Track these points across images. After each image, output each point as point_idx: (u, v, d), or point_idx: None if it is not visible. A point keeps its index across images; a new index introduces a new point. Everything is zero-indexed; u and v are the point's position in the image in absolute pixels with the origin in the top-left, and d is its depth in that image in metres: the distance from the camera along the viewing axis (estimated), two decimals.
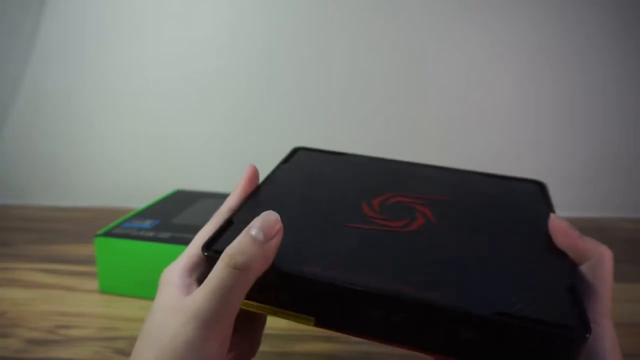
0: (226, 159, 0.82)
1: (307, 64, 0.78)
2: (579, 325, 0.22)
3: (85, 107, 0.80)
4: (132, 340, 0.46)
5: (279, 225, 0.26)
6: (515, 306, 0.22)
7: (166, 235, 0.53)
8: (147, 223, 0.56)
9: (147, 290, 0.53)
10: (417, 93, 0.78)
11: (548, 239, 0.28)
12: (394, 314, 0.24)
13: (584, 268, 0.26)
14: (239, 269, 0.24)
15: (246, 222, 0.26)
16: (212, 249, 0.27)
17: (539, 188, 0.34)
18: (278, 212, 0.26)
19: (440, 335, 0.23)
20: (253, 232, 0.25)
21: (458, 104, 0.78)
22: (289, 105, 0.79)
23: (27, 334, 0.46)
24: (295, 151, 0.40)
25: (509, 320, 0.22)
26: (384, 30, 0.76)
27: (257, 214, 0.26)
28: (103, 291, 0.54)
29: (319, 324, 0.25)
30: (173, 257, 0.51)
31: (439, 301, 0.23)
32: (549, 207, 0.32)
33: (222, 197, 0.67)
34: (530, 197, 0.33)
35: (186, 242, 0.51)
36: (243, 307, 0.27)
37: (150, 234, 0.53)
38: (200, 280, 0.27)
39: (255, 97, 0.79)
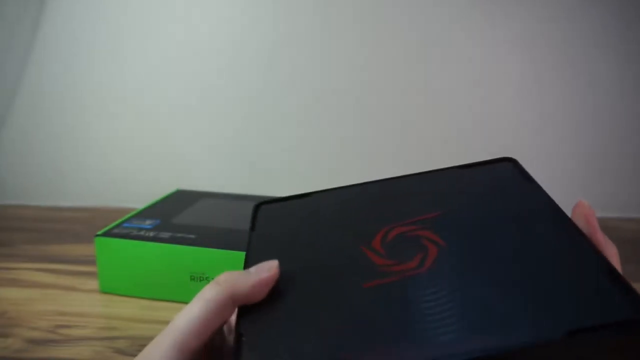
0: (226, 159, 0.82)
1: (307, 63, 0.78)
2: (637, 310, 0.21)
3: (85, 107, 0.80)
4: (132, 340, 0.46)
5: (275, 264, 0.27)
6: (577, 319, 0.21)
7: (166, 235, 0.53)
8: (147, 223, 0.56)
9: (147, 290, 0.53)
10: (416, 93, 0.78)
11: (561, 228, 0.26)
12: None
13: None
14: (219, 284, 0.25)
15: (260, 333, 0.24)
16: None
17: (512, 164, 0.34)
18: (282, 294, 0.26)
19: None
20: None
21: (458, 104, 0.78)
22: (289, 105, 0.79)
23: (27, 334, 0.46)
24: (257, 210, 0.35)
25: (582, 336, 0.20)
26: (384, 29, 0.76)
27: (264, 317, 0.25)
28: (103, 291, 0.54)
29: None
30: (173, 257, 0.51)
31: (513, 344, 0.21)
32: (533, 183, 0.31)
33: (222, 197, 0.67)
34: (513, 177, 0.32)
35: (186, 242, 0.52)
36: None
37: (151, 234, 0.53)
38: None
39: (255, 97, 0.79)
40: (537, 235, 0.26)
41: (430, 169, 0.38)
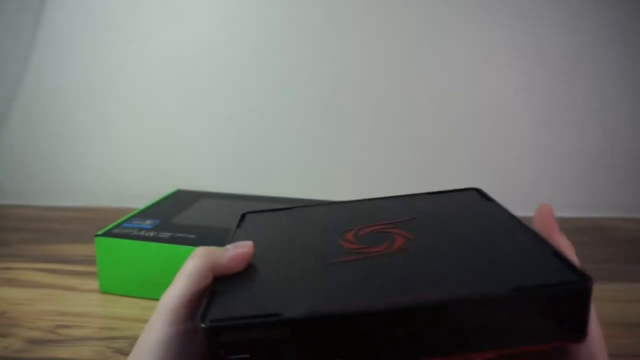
0: (226, 159, 0.82)
1: (307, 63, 0.78)
2: (581, 277, 0.23)
3: (85, 107, 0.80)
4: (132, 340, 0.46)
5: (249, 244, 0.29)
6: (523, 280, 0.24)
7: (166, 235, 0.53)
8: (147, 223, 0.56)
9: (147, 290, 0.53)
10: (416, 93, 0.78)
11: (515, 227, 0.30)
12: (421, 324, 0.23)
13: None
14: (198, 257, 0.27)
15: (230, 289, 0.27)
16: (208, 319, 0.25)
17: (477, 192, 0.38)
18: (257, 265, 0.28)
19: (468, 332, 0.23)
20: None
21: (457, 105, 0.78)
22: (289, 105, 0.79)
23: (27, 334, 0.46)
24: (243, 217, 0.38)
25: (529, 292, 0.23)
26: (382, 30, 0.76)
27: (237, 280, 0.27)
28: (103, 291, 0.54)
29: None
30: (173, 257, 0.51)
31: (463, 294, 0.24)
32: (493, 202, 0.35)
33: (222, 197, 0.67)
34: (478, 199, 0.36)
35: (186, 242, 0.52)
36: None
37: (151, 234, 0.53)
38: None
39: (255, 97, 0.79)
40: (492, 230, 0.31)
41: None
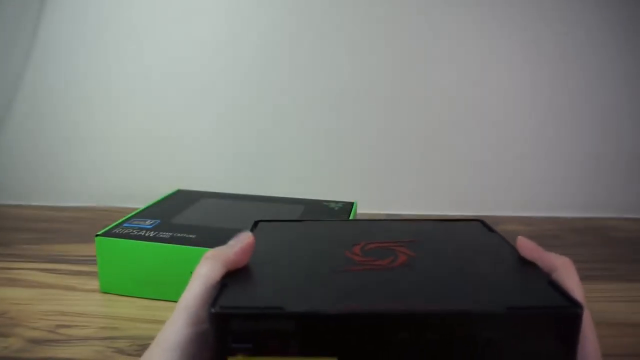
0: (226, 158, 0.82)
1: (307, 63, 0.78)
2: (573, 304, 0.25)
3: (85, 108, 0.80)
4: (133, 339, 0.46)
5: (249, 235, 0.30)
6: (518, 302, 0.25)
7: (166, 235, 0.53)
8: (148, 223, 0.56)
9: (147, 290, 0.53)
10: (416, 93, 0.78)
11: (514, 256, 0.32)
12: (421, 333, 0.24)
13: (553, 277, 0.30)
14: (210, 259, 0.29)
15: (239, 283, 0.28)
16: (218, 305, 0.26)
17: (481, 223, 0.40)
18: (267, 266, 0.30)
19: (459, 347, 0.25)
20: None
21: (456, 105, 0.78)
22: (289, 105, 0.79)
23: (28, 334, 0.46)
24: (256, 224, 0.41)
25: (522, 312, 0.24)
26: (381, 30, 0.76)
27: (246, 276, 0.29)
28: (103, 291, 0.54)
29: None
30: (173, 257, 0.51)
31: (456, 308, 0.25)
32: (494, 232, 0.37)
33: (222, 197, 0.67)
34: (481, 230, 0.39)
35: (186, 242, 0.52)
36: None
37: (151, 234, 0.53)
38: None
39: (255, 97, 0.79)
40: (492, 257, 0.33)
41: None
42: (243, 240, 0.30)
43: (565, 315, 0.25)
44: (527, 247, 0.31)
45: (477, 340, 0.25)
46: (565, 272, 0.28)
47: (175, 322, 0.27)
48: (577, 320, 0.25)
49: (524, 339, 0.25)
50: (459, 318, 0.25)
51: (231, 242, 0.30)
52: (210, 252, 0.29)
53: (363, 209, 0.71)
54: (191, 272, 0.32)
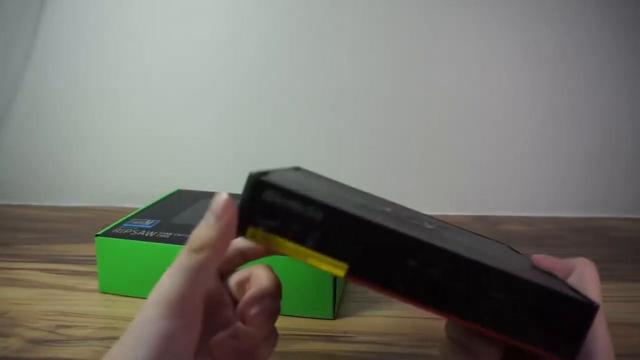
0: (226, 158, 0.82)
1: (306, 63, 0.78)
2: (589, 301, 0.25)
3: (85, 108, 0.80)
4: None
5: (227, 200, 0.27)
6: (540, 283, 0.26)
7: (166, 235, 0.53)
8: (148, 223, 0.56)
9: (147, 290, 0.52)
10: (416, 93, 0.78)
11: (539, 269, 0.33)
12: (432, 266, 0.25)
13: (571, 279, 0.30)
14: (196, 252, 0.27)
15: (278, 175, 0.29)
16: (259, 173, 0.27)
17: (508, 247, 0.42)
18: (302, 181, 0.30)
19: (469, 297, 0.25)
20: (205, 215, 0.27)
21: (456, 105, 0.78)
22: (289, 105, 0.79)
23: (28, 334, 0.46)
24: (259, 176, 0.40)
25: (543, 287, 0.25)
26: (381, 30, 0.76)
27: (285, 177, 0.29)
28: (103, 291, 0.54)
29: (350, 273, 0.26)
30: (173, 257, 0.51)
31: (482, 260, 0.25)
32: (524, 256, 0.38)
33: None
34: (509, 249, 0.40)
35: (186, 242, 0.52)
36: (273, 246, 0.26)
37: (151, 233, 0.53)
38: None
39: (255, 96, 0.79)
40: (518, 260, 0.34)
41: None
42: (223, 210, 0.26)
43: (580, 305, 0.25)
44: (542, 258, 0.33)
45: (479, 294, 0.25)
46: (585, 270, 0.30)
47: (152, 315, 0.26)
48: (590, 313, 0.25)
49: (535, 316, 0.25)
50: (470, 266, 0.25)
51: (209, 219, 0.27)
52: (196, 243, 0.27)
53: None
54: None
